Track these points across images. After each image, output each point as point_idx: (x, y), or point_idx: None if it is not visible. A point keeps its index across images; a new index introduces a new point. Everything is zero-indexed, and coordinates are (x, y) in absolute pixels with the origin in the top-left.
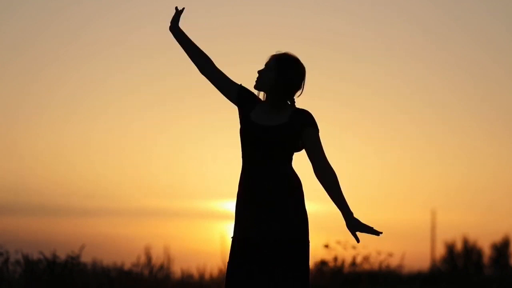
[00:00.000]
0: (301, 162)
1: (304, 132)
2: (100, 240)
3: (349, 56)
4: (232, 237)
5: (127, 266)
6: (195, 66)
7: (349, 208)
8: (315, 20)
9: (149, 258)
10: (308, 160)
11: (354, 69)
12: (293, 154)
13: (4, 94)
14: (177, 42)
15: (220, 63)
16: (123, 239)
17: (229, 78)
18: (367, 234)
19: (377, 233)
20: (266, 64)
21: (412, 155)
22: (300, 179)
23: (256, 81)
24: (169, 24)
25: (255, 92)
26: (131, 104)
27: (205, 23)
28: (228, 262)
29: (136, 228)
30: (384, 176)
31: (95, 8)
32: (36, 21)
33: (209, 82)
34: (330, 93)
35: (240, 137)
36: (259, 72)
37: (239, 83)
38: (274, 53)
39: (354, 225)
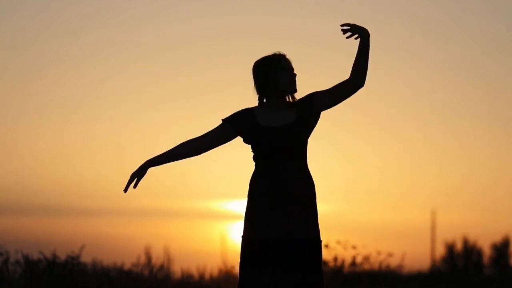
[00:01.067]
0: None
1: (315, 103)
2: (100, 240)
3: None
4: (242, 236)
5: (127, 266)
6: (194, 155)
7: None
8: (315, 20)
9: (149, 258)
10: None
11: None
12: (306, 150)
13: (4, 94)
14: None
15: (220, 63)
16: (123, 239)
17: (214, 131)
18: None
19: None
20: (286, 68)
21: (412, 155)
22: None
23: (295, 85)
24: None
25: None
26: (131, 104)
27: (205, 23)
28: (240, 262)
29: (136, 228)
30: (384, 176)
31: (95, 8)
32: (36, 21)
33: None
34: None
35: (253, 143)
36: (294, 76)
37: (221, 121)
38: (280, 54)
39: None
